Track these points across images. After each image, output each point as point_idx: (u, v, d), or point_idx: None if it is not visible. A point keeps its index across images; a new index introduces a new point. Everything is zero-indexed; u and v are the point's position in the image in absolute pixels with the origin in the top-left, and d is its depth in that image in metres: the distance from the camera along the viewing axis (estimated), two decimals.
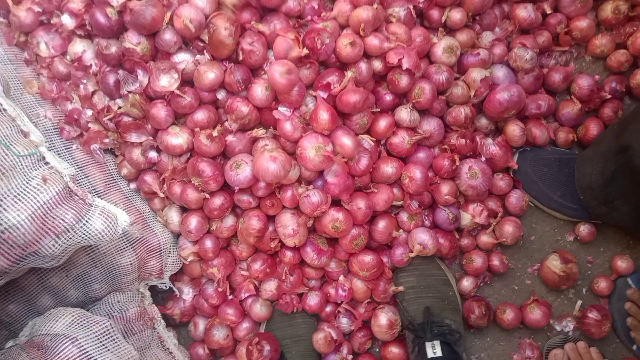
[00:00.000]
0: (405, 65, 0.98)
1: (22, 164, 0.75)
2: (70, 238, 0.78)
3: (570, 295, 1.14)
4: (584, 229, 1.13)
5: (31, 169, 0.77)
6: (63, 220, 0.77)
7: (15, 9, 0.97)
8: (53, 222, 0.76)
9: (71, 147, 1.00)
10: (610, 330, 1.09)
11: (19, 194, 0.73)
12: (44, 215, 0.74)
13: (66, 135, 1.00)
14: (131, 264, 1.00)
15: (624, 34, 1.14)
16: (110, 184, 1.04)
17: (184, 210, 1.08)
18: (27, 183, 0.75)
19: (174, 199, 1.06)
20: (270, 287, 1.08)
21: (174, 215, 1.07)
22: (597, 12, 1.15)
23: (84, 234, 0.80)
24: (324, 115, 0.95)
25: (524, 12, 1.10)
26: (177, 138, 1.00)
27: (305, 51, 0.96)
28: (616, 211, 1.03)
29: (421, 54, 1.05)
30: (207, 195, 1.01)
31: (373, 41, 1.00)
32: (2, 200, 0.71)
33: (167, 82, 0.98)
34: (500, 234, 1.10)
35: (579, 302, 1.12)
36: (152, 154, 1.03)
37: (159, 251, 1.05)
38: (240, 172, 0.97)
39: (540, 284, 1.15)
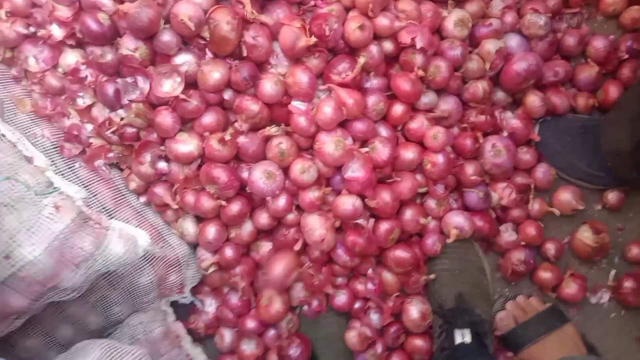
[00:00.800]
0: (419, 44, 0.92)
1: (31, 194, 0.69)
2: (91, 266, 0.73)
3: (603, 265, 1.11)
4: (612, 197, 1.09)
5: (41, 197, 0.70)
6: (81, 248, 0.71)
7: None
8: (71, 252, 0.70)
9: (74, 166, 0.94)
10: None
11: (31, 227, 0.67)
12: (61, 246, 0.69)
13: (67, 154, 0.93)
14: (151, 282, 0.95)
15: None
16: (120, 200, 0.97)
17: (199, 219, 1.02)
18: (39, 213, 0.69)
19: (187, 209, 1.00)
20: (298, 294, 1.03)
21: (189, 226, 1.01)
22: None
23: (104, 260, 0.75)
24: (327, 110, 0.90)
25: None
26: (187, 145, 0.94)
27: (314, 39, 0.90)
28: None
29: (432, 30, 0.99)
30: (224, 203, 0.95)
31: (383, 21, 0.94)
32: (15, 236, 0.65)
33: (170, 86, 0.91)
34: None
35: (613, 272, 1.09)
36: (161, 164, 0.97)
37: (178, 265, 1.00)
38: (271, 182, 0.92)
39: (572, 257, 1.11)
